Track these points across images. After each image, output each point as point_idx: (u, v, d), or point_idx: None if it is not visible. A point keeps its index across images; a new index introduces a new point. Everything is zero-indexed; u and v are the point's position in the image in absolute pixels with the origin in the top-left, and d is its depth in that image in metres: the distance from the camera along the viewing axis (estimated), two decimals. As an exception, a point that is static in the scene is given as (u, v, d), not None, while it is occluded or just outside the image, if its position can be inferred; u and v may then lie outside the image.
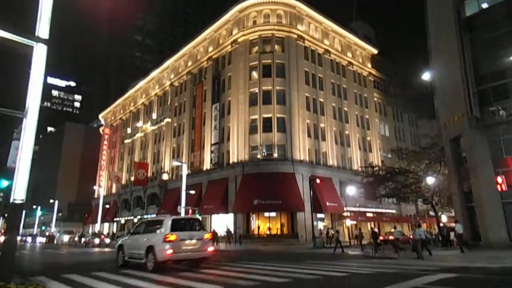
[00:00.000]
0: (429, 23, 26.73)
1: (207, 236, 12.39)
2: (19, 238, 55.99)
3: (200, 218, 15.65)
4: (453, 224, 28.61)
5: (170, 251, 10.99)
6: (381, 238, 25.83)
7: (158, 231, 11.88)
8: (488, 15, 21.81)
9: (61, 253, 24.37)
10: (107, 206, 58.82)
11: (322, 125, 40.41)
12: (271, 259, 16.30)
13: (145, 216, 50.86)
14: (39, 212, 70.65)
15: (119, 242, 13.98)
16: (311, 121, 39.17)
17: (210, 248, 12.20)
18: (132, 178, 54.44)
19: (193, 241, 11.70)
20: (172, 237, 11.22)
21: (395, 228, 22.51)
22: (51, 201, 66.09)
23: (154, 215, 47.09)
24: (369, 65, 50.48)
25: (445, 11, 23.89)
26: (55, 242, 44.82)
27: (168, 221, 11.87)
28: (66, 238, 43.41)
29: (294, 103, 37.28)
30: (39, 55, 6.94)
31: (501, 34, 20.88)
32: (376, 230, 24.63)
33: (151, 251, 11.28)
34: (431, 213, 33.69)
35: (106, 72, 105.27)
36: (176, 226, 11.80)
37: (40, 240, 51.68)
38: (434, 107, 27.10)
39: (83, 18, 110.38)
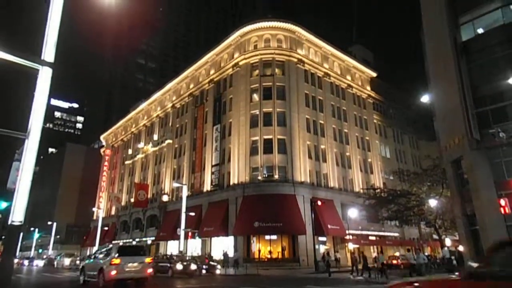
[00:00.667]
0: (427, 47, 27.29)
1: (148, 260, 14.94)
2: (16, 261, 54.81)
3: (144, 245, 19.00)
4: (457, 248, 28.07)
5: (114, 272, 13.66)
6: (384, 262, 25.33)
7: (108, 255, 14.56)
8: (483, 40, 22.28)
9: (59, 277, 23.76)
10: (106, 228, 57.98)
11: (322, 146, 40.46)
12: (269, 284, 15.85)
13: (144, 239, 50.13)
14: (36, 235, 69.63)
15: (82, 264, 17.06)
16: (312, 143, 39.24)
17: (149, 270, 14.80)
18: (132, 200, 53.98)
19: (135, 264, 14.22)
20: (117, 261, 13.89)
21: (378, 253, 22.40)
22: (49, 222, 65.27)
23: (153, 238, 46.48)
24: (368, 88, 51.14)
25: (441, 36, 24.44)
26: (55, 265, 42.99)
27: (116, 248, 14.84)
28: (67, 261, 40.92)
29: (294, 125, 37.50)
30: (44, 78, 7.05)
31: (497, 58, 21.27)
32: (375, 254, 24.35)
33: (102, 272, 13.88)
34: (435, 236, 33.09)
35: (109, 94, 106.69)
36: (123, 252, 14.54)
37: (38, 263, 50.47)
38: (434, 129, 27.21)
39: (87, 41, 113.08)
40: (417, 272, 17.29)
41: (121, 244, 16.73)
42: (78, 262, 40.13)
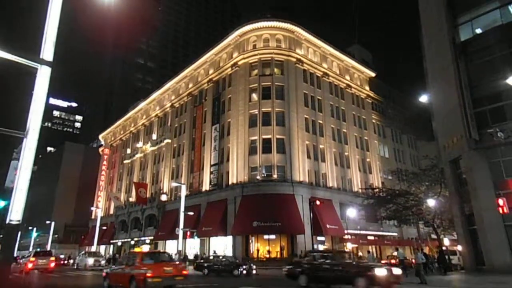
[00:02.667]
0: (425, 48, 27.35)
1: (52, 258, 27.06)
2: (21, 260, 54.17)
3: (52, 251, 33.91)
4: (456, 247, 28.17)
5: (31, 265, 25.28)
6: (383, 261, 25.34)
7: (29, 256, 26.89)
8: (482, 40, 22.35)
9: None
10: (104, 227, 57.84)
11: (321, 146, 40.48)
12: (262, 284, 15.80)
13: (142, 238, 50.07)
14: (34, 234, 69.37)
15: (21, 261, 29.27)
16: (311, 143, 39.26)
17: (52, 264, 26.33)
18: (131, 199, 53.86)
19: (44, 261, 25.91)
20: (32, 259, 25.96)
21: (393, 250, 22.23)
22: (47, 221, 65.06)
23: (152, 237, 46.46)
24: (367, 88, 51.19)
25: (440, 37, 24.50)
26: (75, 266, 38.59)
27: (33, 252, 28.13)
28: (90, 261, 35.55)
29: (293, 125, 37.51)
30: (43, 77, 7.03)
31: (495, 58, 21.34)
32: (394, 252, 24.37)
33: (25, 265, 25.32)
34: (434, 236, 33.18)
35: (108, 93, 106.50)
36: (37, 254, 27.39)
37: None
38: (433, 129, 27.26)
39: (86, 40, 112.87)
40: (416, 272, 17.25)
41: (34, 250, 31.00)
42: (103, 262, 35.29)
